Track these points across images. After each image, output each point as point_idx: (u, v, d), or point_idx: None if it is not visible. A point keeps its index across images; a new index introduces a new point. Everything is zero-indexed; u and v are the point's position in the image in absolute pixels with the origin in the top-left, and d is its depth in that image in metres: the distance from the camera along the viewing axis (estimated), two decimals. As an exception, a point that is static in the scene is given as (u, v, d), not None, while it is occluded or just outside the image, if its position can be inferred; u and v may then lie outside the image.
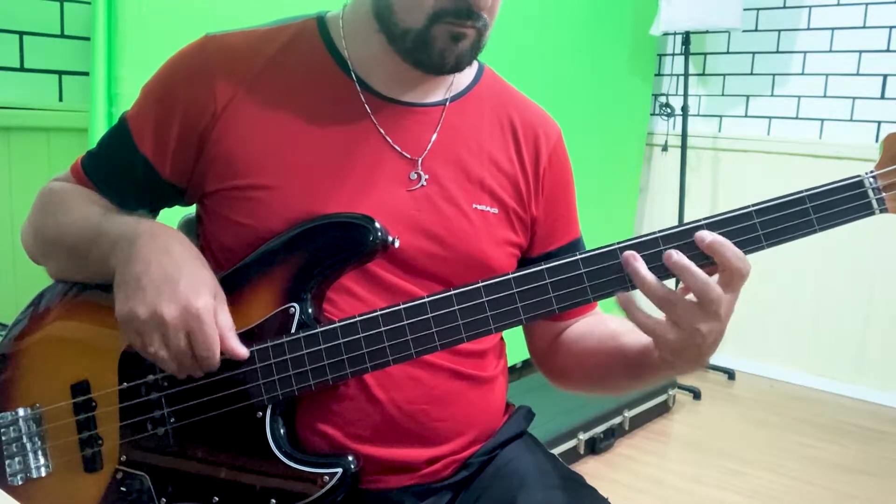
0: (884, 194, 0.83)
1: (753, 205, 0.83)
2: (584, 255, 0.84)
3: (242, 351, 0.86)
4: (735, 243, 0.82)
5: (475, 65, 1.04)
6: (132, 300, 0.83)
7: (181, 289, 0.82)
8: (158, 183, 0.96)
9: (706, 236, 0.81)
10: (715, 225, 0.82)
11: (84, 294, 0.95)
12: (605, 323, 1.05)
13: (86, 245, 0.91)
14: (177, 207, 1.03)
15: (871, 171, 0.83)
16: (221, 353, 0.84)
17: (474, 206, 0.96)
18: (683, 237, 0.83)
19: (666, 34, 3.55)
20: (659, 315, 0.84)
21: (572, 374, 1.07)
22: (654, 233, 0.83)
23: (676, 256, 0.81)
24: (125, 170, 0.97)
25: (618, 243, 0.84)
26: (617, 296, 0.83)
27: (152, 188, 0.97)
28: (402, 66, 0.93)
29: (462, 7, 0.87)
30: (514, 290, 0.84)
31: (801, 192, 0.83)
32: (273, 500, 0.86)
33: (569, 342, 1.06)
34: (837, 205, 0.82)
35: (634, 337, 0.94)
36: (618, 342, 0.98)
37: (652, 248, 0.83)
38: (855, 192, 0.82)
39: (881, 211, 0.83)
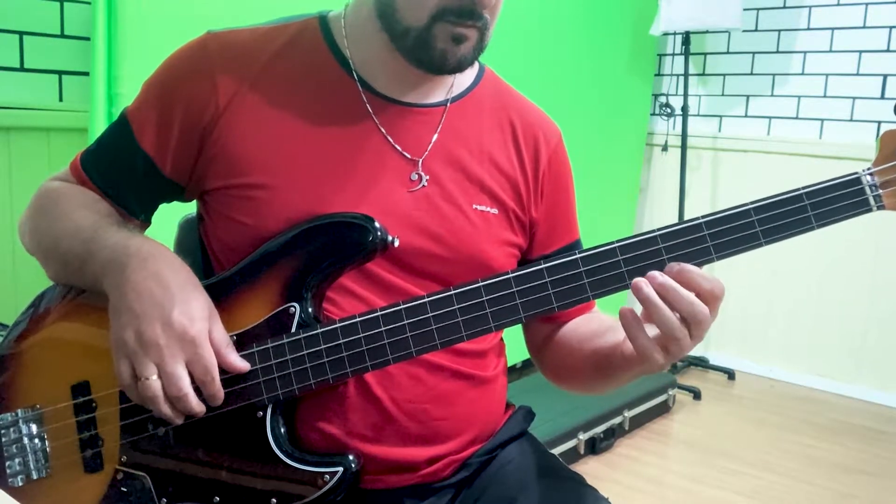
0: (881, 191, 0.83)
1: (751, 203, 0.83)
2: (582, 254, 0.84)
3: (242, 365, 0.86)
4: (733, 241, 0.82)
5: (476, 66, 1.04)
6: (126, 330, 0.83)
7: (174, 316, 0.82)
8: (159, 180, 0.96)
9: (674, 266, 0.81)
10: (713, 223, 0.83)
11: (84, 296, 0.95)
12: (591, 322, 1.05)
13: (77, 262, 0.91)
14: (176, 205, 1.03)
15: (869, 169, 0.83)
16: (223, 372, 0.84)
17: (474, 206, 0.96)
18: (682, 235, 0.83)
19: (666, 34, 3.55)
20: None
21: (561, 372, 1.07)
22: (652, 231, 0.84)
23: (662, 279, 0.81)
24: (125, 166, 0.96)
25: (616, 242, 0.84)
26: (621, 312, 0.83)
27: (152, 185, 0.96)
28: (403, 66, 0.93)
29: (465, 6, 0.87)
30: (514, 289, 0.85)
31: (799, 189, 0.83)
32: (273, 500, 0.86)
33: (559, 340, 1.06)
34: (835, 202, 0.82)
35: (608, 337, 0.95)
36: (593, 342, 0.98)
37: (651, 245, 0.83)
38: (852, 190, 0.82)
39: (878, 208, 0.83)
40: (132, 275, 0.84)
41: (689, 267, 0.82)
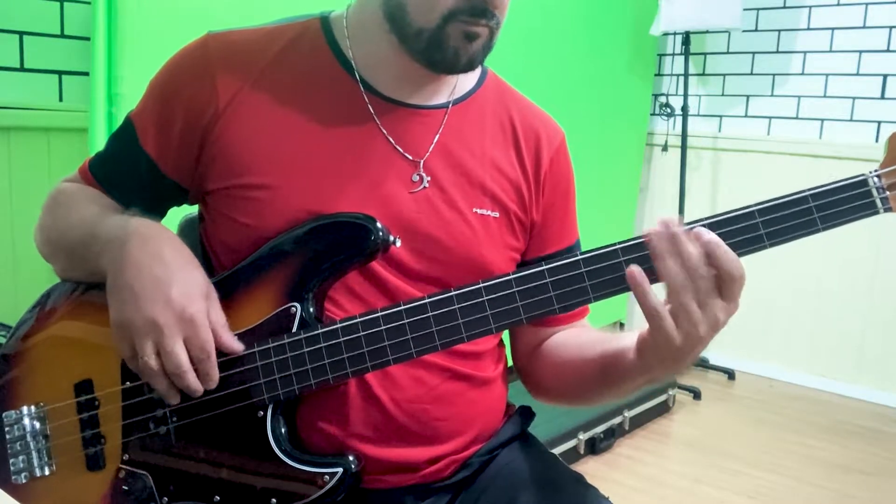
0: (888, 193, 0.81)
1: (755, 204, 0.82)
2: (584, 255, 0.84)
3: (237, 346, 0.86)
4: (737, 243, 0.81)
5: (479, 68, 1.03)
6: (126, 307, 0.83)
7: (174, 295, 0.82)
8: (162, 181, 0.96)
9: (703, 234, 0.79)
10: (717, 224, 0.82)
11: (89, 293, 0.95)
12: (586, 332, 1.04)
13: (82, 247, 0.92)
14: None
15: (876, 171, 0.82)
16: (218, 354, 0.84)
17: (475, 210, 0.96)
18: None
19: (666, 34, 3.55)
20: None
21: (551, 384, 1.05)
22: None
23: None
24: (129, 168, 0.97)
25: (618, 243, 0.84)
26: (628, 271, 0.80)
27: (156, 187, 0.97)
28: (409, 67, 0.93)
29: (477, 6, 0.87)
30: (515, 290, 0.84)
31: (804, 191, 0.82)
32: (274, 500, 0.86)
33: (549, 350, 1.04)
34: (841, 204, 0.81)
35: (613, 343, 0.93)
36: (596, 349, 0.96)
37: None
38: (859, 192, 0.81)
39: (885, 210, 0.82)
40: (133, 252, 0.85)
41: (717, 240, 0.79)
